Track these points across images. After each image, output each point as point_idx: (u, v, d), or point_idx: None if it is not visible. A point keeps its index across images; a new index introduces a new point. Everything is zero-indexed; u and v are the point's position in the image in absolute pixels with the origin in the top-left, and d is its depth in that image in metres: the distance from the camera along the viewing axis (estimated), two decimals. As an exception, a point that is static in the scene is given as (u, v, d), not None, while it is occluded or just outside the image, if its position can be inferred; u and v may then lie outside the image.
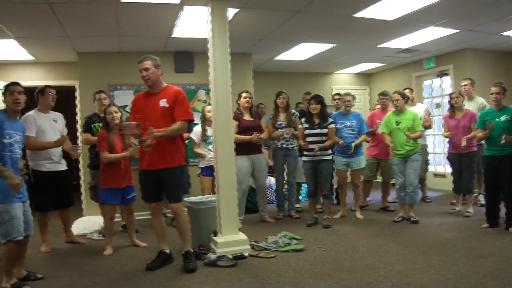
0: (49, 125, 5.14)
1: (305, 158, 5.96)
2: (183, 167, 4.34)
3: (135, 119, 4.11)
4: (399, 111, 5.95)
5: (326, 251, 4.63)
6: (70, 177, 5.59)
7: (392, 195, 7.25)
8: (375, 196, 7.68)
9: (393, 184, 6.41)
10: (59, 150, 5.23)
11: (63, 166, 5.33)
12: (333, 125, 5.88)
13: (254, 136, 5.83)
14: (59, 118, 5.40)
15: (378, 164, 6.82)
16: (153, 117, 4.13)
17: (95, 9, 5.12)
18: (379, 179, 7.14)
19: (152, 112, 4.16)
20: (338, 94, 7.14)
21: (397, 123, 5.88)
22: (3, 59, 7.36)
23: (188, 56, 7.49)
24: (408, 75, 9.60)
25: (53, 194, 5.19)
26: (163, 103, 4.18)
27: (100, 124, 5.60)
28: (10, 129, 3.73)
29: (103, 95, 5.94)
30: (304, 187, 7.53)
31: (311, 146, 5.78)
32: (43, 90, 5.18)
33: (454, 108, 6.09)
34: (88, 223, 6.34)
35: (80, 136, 5.98)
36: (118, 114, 5.06)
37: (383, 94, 6.77)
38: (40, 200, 5.07)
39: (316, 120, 5.89)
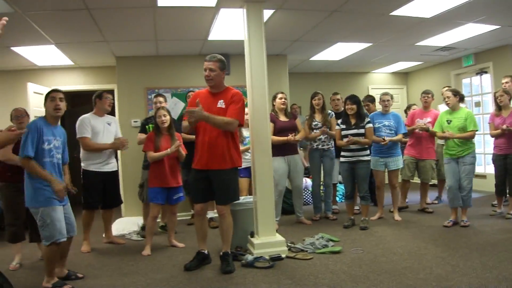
0: (103, 127, 5.34)
1: (342, 159, 5.91)
2: (234, 169, 4.33)
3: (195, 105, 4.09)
4: (452, 109, 5.74)
5: (363, 253, 4.57)
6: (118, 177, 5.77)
7: (431, 196, 7.10)
8: (413, 197, 7.54)
9: (432, 185, 6.26)
10: (108, 151, 5.41)
11: (112, 167, 5.48)
12: (370, 125, 5.81)
13: (290, 138, 5.82)
14: (113, 121, 5.60)
15: (417, 164, 6.70)
16: None
17: (133, 14, 5.23)
18: (416, 180, 7.01)
19: (208, 111, 4.12)
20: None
21: (448, 121, 5.68)
22: (44, 65, 7.60)
23: (225, 58, 7.46)
24: (446, 74, 9.39)
25: (102, 194, 5.35)
26: (221, 104, 4.22)
27: (153, 125, 5.73)
28: (49, 135, 3.83)
29: (160, 98, 6.06)
30: (340, 188, 7.47)
31: (347, 146, 5.74)
32: (100, 95, 5.42)
33: (499, 106, 5.92)
34: (127, 224, 6.49)
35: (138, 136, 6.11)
36: (167, 118, 5.14)
37: (426, 92, 6.65)
38: (88, 198, 5.23)
39: (353, 121, 5.83)
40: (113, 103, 5.57)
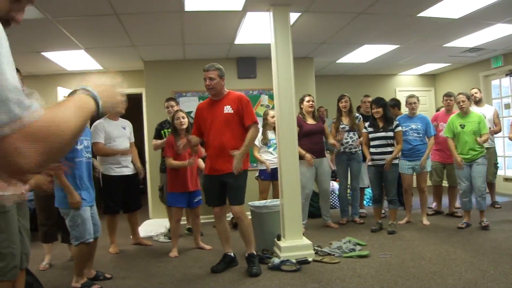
0: (118, 132, 5.38)
1: (369, 163, 5.87)
2: (246, 171, 4.39)
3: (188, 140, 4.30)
4: (464, 113, 5.71)
5: (391, 258, 4.53)
6: (138, 181, 5.80)
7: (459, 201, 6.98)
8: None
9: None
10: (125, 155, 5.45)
11: (131, 170, 5.53)
12: (399, 128, 5.77)
13: (309, 159, 5.81)
14: (128, 125, 5.63)
15: (444, 168, 6.59)
16: (217, 124, 4.25)
17: (160, 18, 5.29)
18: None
19: (216, 119, 4.28)
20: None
21: (462, 126, 5.63)
22: (73, 69, 7.74)
23: (251, 61, 7.57)
24: (475, 75, 9.22)
25: (121, 198, 5.40)
26: (228, 109, 4.28)
27: (169, 130, 5.78)
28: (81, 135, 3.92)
29: (172, 102, 6.11)
30: (367, 191, 7.40)
31: (375, 149, 5.72)
32: None
33: None
34: (154, 225, 6.55)
35: (148, 142, 6.16)
36: (186, 120, 5.18)
37: (448, 95, 6.56)
38: (108, 203, 5.30)
39: (380, 124, 5.78)
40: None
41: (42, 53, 6.49)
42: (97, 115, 1.12)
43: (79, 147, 3.88)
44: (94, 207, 4.08)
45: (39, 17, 4.81)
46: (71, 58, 6.95)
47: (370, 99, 6.95)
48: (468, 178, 5.62)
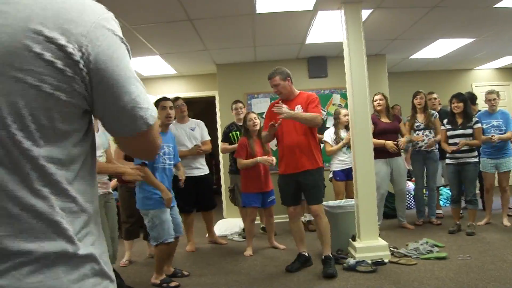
0: (185, 134, 5.55)
1: (448, 161, 5.65)
2: (321, 168, 4.39)
3: (271, 125, 4.26)
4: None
5: (471, 260, 4.34)
6: (211, 181, 5.94)
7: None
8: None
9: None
10: (193, 156, 5.59)
11: (203, 171, 5.66)
12: (479, 125, 5.50)
13: (390, 145, 5.71)
14: (198, 125, 5.76)
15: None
16: (288, 124, 4.27)
17: (232, 22, 5.40)
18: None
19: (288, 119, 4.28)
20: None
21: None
22: (149, 75, 8.06)
23: (322, 61, 7.52)
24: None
25: (194, 198, 5.53)
26: (298, 109, 4.30)
27: (237, 132, 5.88)
28: (160, 142, 4.06)
29: (240, 104, 6.20)
30: (444, 191, 7.14)
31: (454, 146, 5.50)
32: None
33: None
34: (229, 225, 6.68)
35: (219, 145, 6.29)
36: (258, 121, 5.23)
37: None
38: (182, 203, 5.46)
39: (459, 120, 5.56)
40: (185, 108, 5.73)
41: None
42: None
43: (158, 153, 4.03)
44: (174, 208, 4.22)
45: (117, 25, 5.05)
46: (147, 64, 7.23)
47: (435, 95, 6.72)
48: None
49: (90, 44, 0.91)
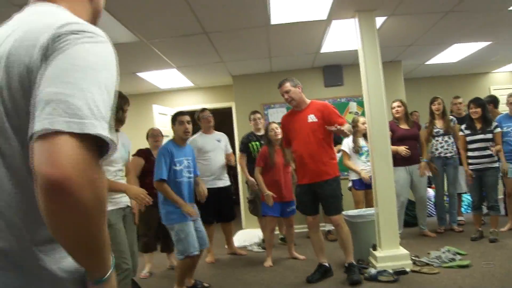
0: (212, 145, 5.59)
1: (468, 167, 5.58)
2: (338, 178, 4.38)
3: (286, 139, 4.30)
4: None
5: (494, 268, 4.25)
6: (231, 192, 5.96)
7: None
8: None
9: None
10: (219, 167, 5.63)
11: (224, 182, 5.70)
12: (498, 129, 5.43)
13: (401, 150, 5.67)
14: (223, 138, 5.85)
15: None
16: (302, 134, 4.30)
17: (247, 34, 5.44)
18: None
19: (301, 129, 4.33)
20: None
21: None
22: (166, 87, 8.15)
23: (337, 69, 7.50)
24: None
25: (215, 209, 5.54)
26: (312, 118, 4.31)
27: (257, 143, 5.89)
28: (179, 156, 4.11)
29: (258, 115, 6.21)
30: (466, 198, 7.04)
31: (474, 153, 5.44)
32: (198, 116, 5.75)
33: None
34: (248, 235, 6.68)
35: (237, 155, 6.31)
36: (279, 131, 5.22)
37: None
38: (203, 213, 5.47)
39: (478, 125, 5.49)
40: (211, 118, 5.81)
41: (138, 74, 6.89)
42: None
43: (178, 168, 4.06)
44: (198, 221, 4.23)
45: (135, 40, 5.14)
46: (164, 77, 7.32)
47: (460, 100, 6.65)
48: None
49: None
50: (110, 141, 0.87)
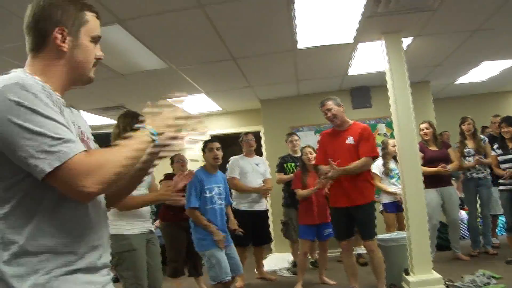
0: (251, 168, 5.66)
1: (501, 187, 5.45)
2: (373, 203, 4.33)
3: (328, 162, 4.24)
4: None
5: (532, 292, 4.14)
6: (267, 215, 6.00)
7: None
8: None
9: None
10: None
11: (261, 205, 5.73)
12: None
13: (439, 168, 5.56)
14: (262, 162, 5.93)
15: None
16: (340, 154, 4.25)
17: (275, 59, 5.51)
18: None
19: (340, 149, 4.28)
20: None
21: None
22: (197, 112, 8.22)
23: (365, 91, 7.50)
24: None
25: (250, 232, 5.52)
26: (350, 140, 4.28)
27: (292, 163, 5.94)
28: (210, 183, 4.16)
29: (295, 137, 6.26)
30: (501, 219, 6.87)
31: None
32: (242, 138, 5.84)
33: None
34: (277, 260, 6.65)
35: (276, 176, 6.30)
36: (313, 155, 5.20)
37: None
38: (238, 236, 5.48)
39: (510, 145, 5.39)
40: (253, 143, 5.87)
41: (167, 100, 6.98)
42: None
43: (208, 195, 4.10)
44: (231, 248, 4.25)
45: (164, 67, 5.27)
46: (194, 102, 7.44)
47: (499, 118, 6.53)
48: None
49: None
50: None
